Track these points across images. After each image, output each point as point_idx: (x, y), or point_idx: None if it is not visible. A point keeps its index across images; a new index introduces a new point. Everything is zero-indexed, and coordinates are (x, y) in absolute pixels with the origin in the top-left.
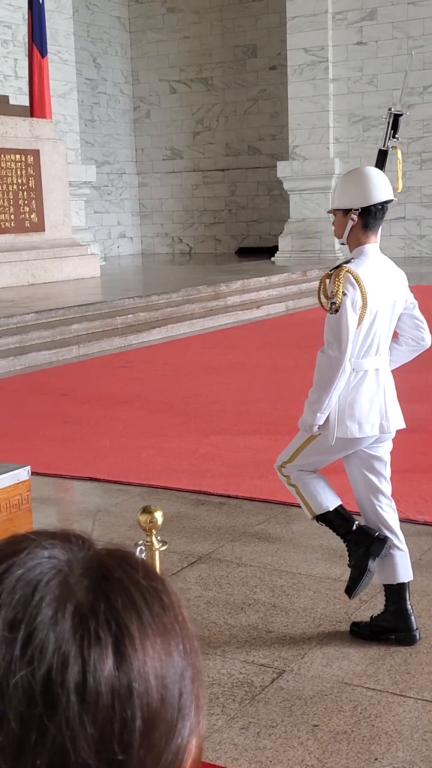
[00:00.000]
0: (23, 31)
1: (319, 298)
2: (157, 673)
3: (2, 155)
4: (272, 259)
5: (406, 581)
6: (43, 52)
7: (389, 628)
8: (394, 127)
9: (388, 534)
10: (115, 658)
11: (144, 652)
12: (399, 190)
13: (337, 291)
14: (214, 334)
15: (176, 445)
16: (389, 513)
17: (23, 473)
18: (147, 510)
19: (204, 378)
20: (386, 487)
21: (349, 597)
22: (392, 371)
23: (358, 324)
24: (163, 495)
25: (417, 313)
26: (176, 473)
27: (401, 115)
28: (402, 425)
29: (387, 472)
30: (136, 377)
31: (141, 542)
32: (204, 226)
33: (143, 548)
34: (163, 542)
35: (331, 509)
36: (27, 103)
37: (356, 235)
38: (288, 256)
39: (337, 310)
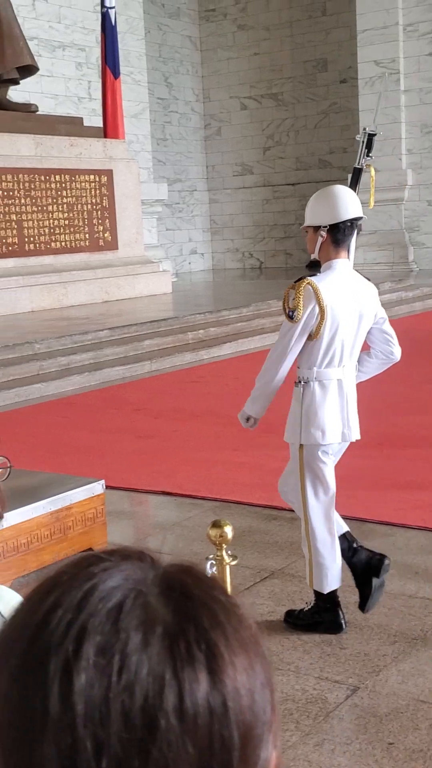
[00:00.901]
0: (97, 53)
1: (283, 307)
2: (246, 689)
3: (77, 176)
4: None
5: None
6: (116, 74)
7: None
8: (368, 146)
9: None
10: (209, 678)
11: (234, 669)
12: (371, 207)
13: (297, 303)
14: None
15: (248, 460)
16: (337, 516)
17: (98, 487)
18: (217, 524)
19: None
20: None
21: (363, 612)
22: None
23: (316, 335)
24: (234, 509)
25: (387, 327)
26: (248, 488)
27: (375, 134)
28: (358, 437)
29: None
30: (207, 392)
31: (211, 557)
32: (274, 241)
33: (214, 563)
34: (234, 557)
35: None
36: (101, 124)
37: (326, 251)
38: (360, 269)
39: (297, 321)
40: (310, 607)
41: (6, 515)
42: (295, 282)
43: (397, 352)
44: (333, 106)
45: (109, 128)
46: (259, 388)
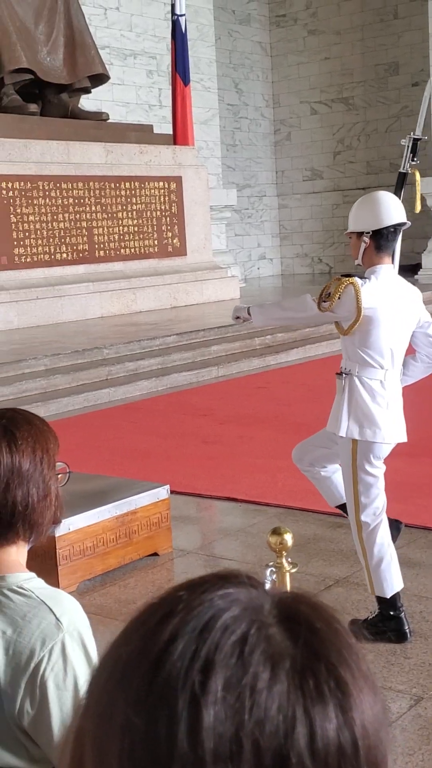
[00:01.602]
0: (167, 61)
1: (320, 292)
2: (374, 727)
3: (146, 183)
4: (416, 276)
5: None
6: (186, 81)
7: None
8: (413, 150)
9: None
10: (339, 715)
11: (361, 705)
12: (417, 211)
13: (333, 298)
14: None
15: None
16: None
17: (163, 492)
18: (277, 531)
19: None
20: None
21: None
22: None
23: (347, 332)
24: (299, 516)
25: (431, 331)
26: (313, 494)
27: (420, 139)
28: (405, 439)
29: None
30: (274, 398)
31: (271, 564)
32: (344, 246)
33: (273, 570)
34: (294, 564)
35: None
36: (170, 131)
37: (370, 256)
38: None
39: (324, 311)
40: (374, 615)
41: (72, 519)
42: (341, 275)
43: None
44: (404, 109)
45: (179, 135)
46: (270, 311)
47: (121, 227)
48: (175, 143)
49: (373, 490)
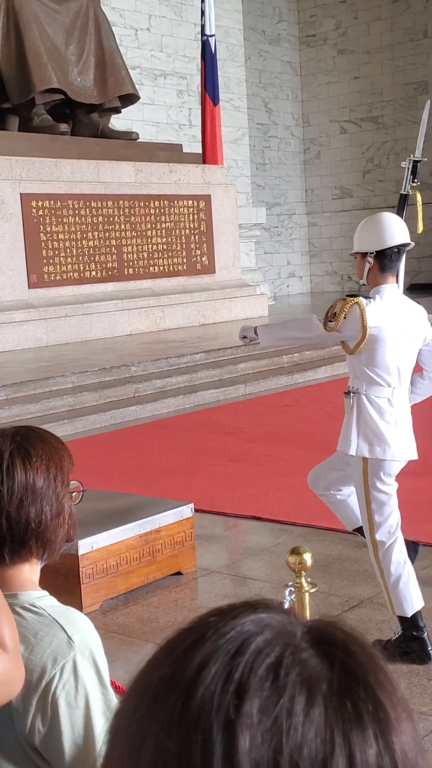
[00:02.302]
0: (197, 81)
1: (326, 311)
2: (412, 750)
3: (175, 201)
4: None
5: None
6: (216, 101)
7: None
8: (414, 172)
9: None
10: (379, 740)
11: (400, 730)
12: (419, 232)
13: (339, 318)
14: None
15: None
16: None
17: (187, 510)
18: (296, 551)
19: None
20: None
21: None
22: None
23: (353, 351)
24: (325, 536)
25: None
26: None
27: (420, 161)
28: (416, 456)
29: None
30: (301, 416)
31: (290, 584)
32: None
33: (293, 590)
34: (313, 584)
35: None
36: (200, 151)
37: (374, 276)
38: None
39: (329, 331)
40: (397, 636)
41: (95, 537)
42: (347, 296)
43: None
44: None
45: (208, 154)
46: (276, 332)
47: (150, 245)
48: (204, 162)
49: (386, 508)
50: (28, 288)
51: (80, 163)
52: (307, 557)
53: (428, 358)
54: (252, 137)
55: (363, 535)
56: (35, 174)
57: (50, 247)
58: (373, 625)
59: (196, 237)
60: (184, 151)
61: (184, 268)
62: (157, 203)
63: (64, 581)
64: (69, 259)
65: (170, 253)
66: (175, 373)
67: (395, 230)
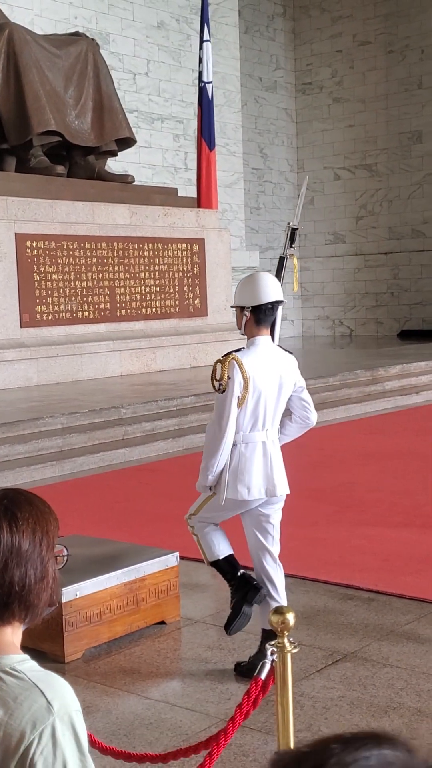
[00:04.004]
0: (194, 125)
1: (212, 379)
2: None
3: (169, 244)
4: None
5: None
6: (211, 146)
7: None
8: (291, 238)
9: (268, 585)
10: None
11: None
12: (295, 290)
13: (223, 375)
14: (371, 420)
15: (327, 535)
16: (272, 567)
17: (172, 559)
18: (279, 611)
19: (359, 465)
20: (272, 544)
21: (227, 633)
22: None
23: (241, 403)
24: (310, 587)
25: (305, 395)
26: (325, 565)
27: (297, 229)
28: (287, 491)
29: (275, 532)
30: (290, 462)
31: (272, 643)
32: (365, 309)
33: (275, 650)
34: (295, 644)
35: (221, 558)
36: (195, 194)
37: (250, 328)
38: None
39: (223, 391)
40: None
41: (80, 585)
42: (222, 356)
43: (313, 418)
44: (427, 177)
45: (203, 198)
46: (210, 463)
47: (143, 287)
48: (199, 206)
49: (211, 517)
50: (21, 327)
51: (76, 205)
52: (290, 617)
53: (296, 403)
54: (247, 182)
55: (213, 567)
56: (31, 214)
57: (44, 287)
58: (356, 681)
59: (189, 280)
60: (180, 194)
61: (177, 310)
62: (151, 246)
63: (46, 629)
64: (62, 299)
65: (163, 296)
66: (165, 416)
67: (269, 288)
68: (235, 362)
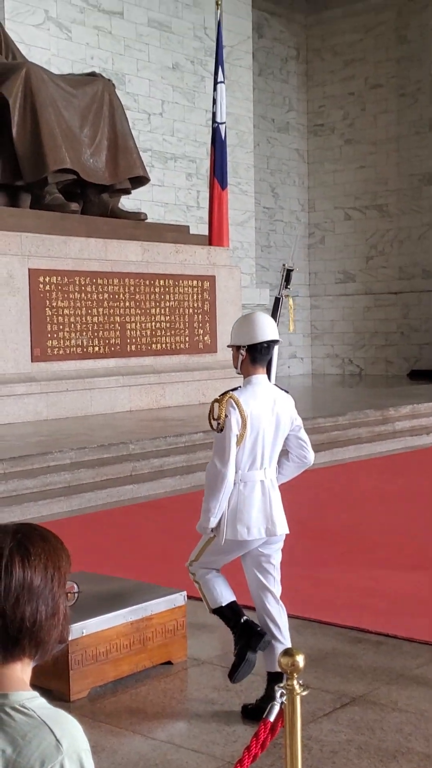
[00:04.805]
0: (207, 164)
1: (209, 419)
2: None
3: (180, 281)
4: None
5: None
6: (224, 185)
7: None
8: (287, 279)
9: (271, 626)
10: None
11: None
12: (291, 330)
13: (221, 414)
14: (381, 460)
15: (336, 577)
16: (275, 607)
17: (179, 599)
18: (288, 653)
19: (369, 506)
20: (273, 584)
21: (231, 681)
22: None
23: (239, 442)
24: (318, 629)
25: (302, 434)
26: (334, 607)
27: (292, 270)
28: (287, 531)
29: (276, 572)
30: (298, 502)
31: (282, 685)
32: (375, 348)
33: (284, 692)
34: (305, 687)
35: (224, 605)
36: (207, 232)
37: (246, 366)
38: None
39: (221, 430)
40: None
41: (86, 623)
42: (220, 396)
43: (310, 457)
44: None
45: (214, 236)
46: (212, 504)
47: (153, 323)
48: (210, 244)
49: (212, 562)
50: (31, 361)
51: (89, 241)
52: (300, 659)
53: (293, 442)
54: (258, 220)
55: (216, 614)
56: (44, 250)
57: (55, 321)
58: (364, 725)
59: (200, 316)
60: (191, 232)
61: (186, 346)
62: (162, 282)
63: (52, 666)
64: (73, 334)
65: (173, 332)
66: (174, 452)
67: (266, 328)
68: (232, 401)
